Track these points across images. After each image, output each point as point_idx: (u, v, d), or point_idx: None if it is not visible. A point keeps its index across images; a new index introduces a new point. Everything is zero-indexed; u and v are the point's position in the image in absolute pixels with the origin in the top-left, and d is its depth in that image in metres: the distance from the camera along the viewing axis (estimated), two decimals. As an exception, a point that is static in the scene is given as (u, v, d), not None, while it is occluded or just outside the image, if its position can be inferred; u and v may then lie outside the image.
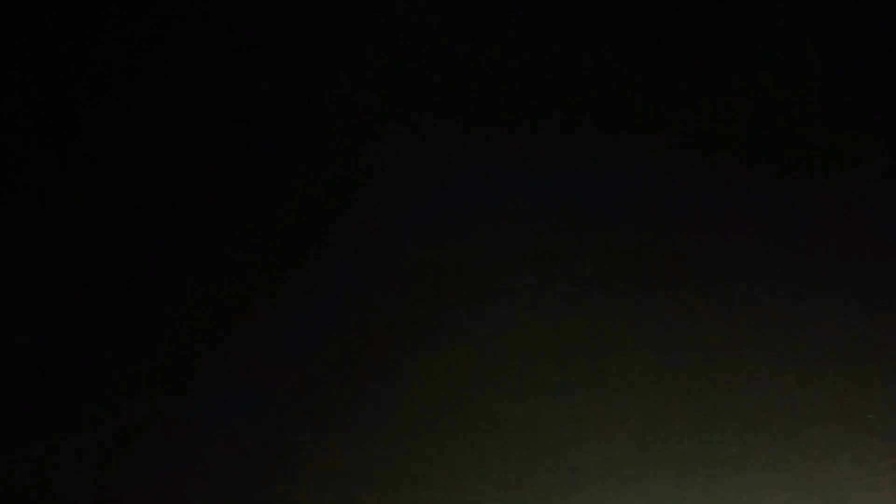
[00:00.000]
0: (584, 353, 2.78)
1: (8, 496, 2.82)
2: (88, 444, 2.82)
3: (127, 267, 2.74)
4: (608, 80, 2.79)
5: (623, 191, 2.79)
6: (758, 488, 2.85)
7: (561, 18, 2.77)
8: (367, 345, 2.77)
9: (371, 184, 2.78)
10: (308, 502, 2.88)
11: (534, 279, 2.78)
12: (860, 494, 2.85)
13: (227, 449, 2.87)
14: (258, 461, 2.89)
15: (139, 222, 2.75)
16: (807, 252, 2.76)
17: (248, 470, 2.89)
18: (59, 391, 2.78)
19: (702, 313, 2.77)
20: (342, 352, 2.78)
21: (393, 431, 2.82)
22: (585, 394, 2.79)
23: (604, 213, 2.81)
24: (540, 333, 2.78)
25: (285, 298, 2.78)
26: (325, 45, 2.76)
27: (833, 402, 2.76)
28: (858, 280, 2.79)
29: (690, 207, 2.80)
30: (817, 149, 2.77)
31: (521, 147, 2.79)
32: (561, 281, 2.79)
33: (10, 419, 2.80)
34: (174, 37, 2.71)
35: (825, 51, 2.76)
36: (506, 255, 2.78)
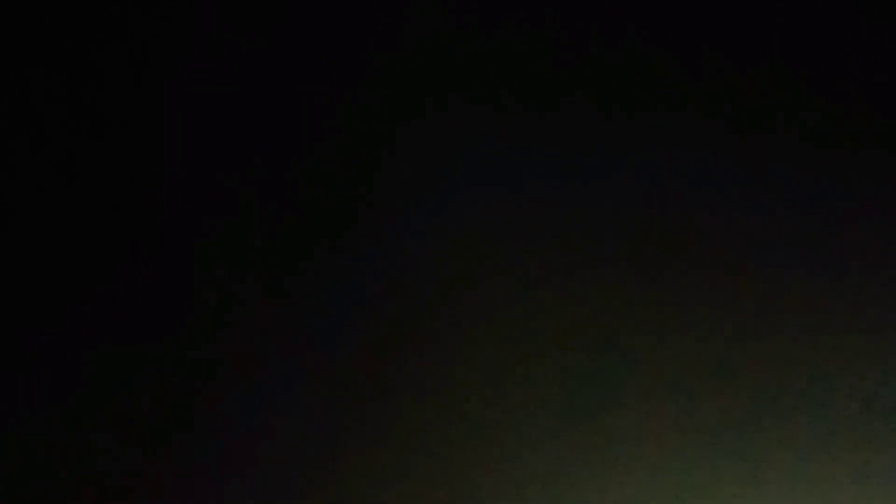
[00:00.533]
0: (610, 339, 2.74)
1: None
2: (110, 440, 2.81)
3: (140, 264, 2.74)
4: (623, 62, 2.78)
5: (641, 174, 2.77)
6: (793, 483, 2.79)
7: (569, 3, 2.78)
8: (389, 334, 2.75)
9: (385, 172, 2.78)
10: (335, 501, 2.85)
11: (553, 264, 2.75)
12: (884, 486, 2.79)
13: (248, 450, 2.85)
14: (279, 462, 2.87)
15: (142, 220, 2.76)
16: (829, 235, 2.72)
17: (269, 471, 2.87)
18: (75, 385, 2.77)
19: (726, 297, 2.73)
20: (363, 343, 2.76)
21: (412, 424, 2.78)
22: (612, 384, 2.75)
23: (621, 197, 2.78)
24: (564, 320, 2.75)
25: (299, 293, 2.78)
26: (328, 40, 2.79)
27: (852, 386, 2.71)
28: (882, 264, 2.75)
29: (715, 190, 2.78)
30: (835, 129, 2.74)
31: (535, 132, 2.78)
32: (582, 266, 2.76)
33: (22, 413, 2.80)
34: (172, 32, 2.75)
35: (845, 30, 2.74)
36: (524, 241, 2.76)
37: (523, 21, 2.72)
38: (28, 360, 2.72)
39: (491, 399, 2.80)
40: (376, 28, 2.70)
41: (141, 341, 2.74)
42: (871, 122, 2.70)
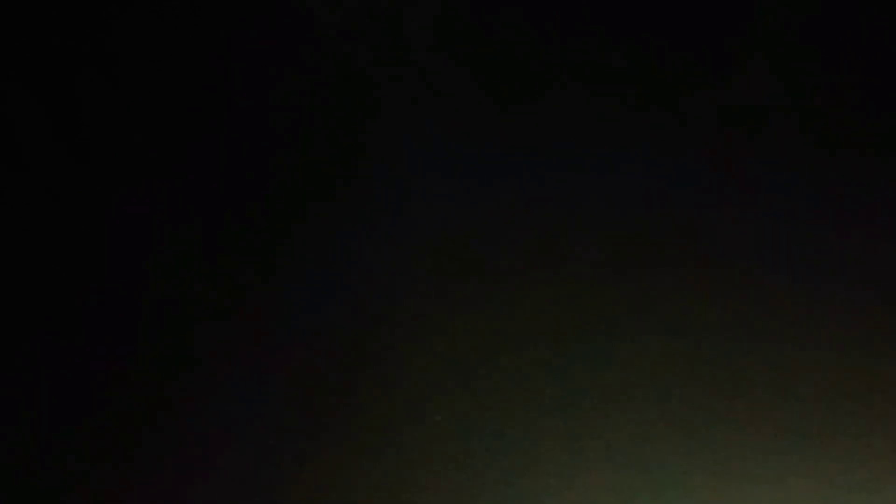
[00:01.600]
0: (593, 336, 2.75)
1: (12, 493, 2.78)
2: (88, 442, 2.78)
3: (127, 263, 2.73)
4: (621, 61, 2.81)
5: (635, 173, 2.81)
6: (766, 475, 2.81)
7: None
8: (374, 328, 2.75)
9: (375, 170, 2.80)
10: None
11: (543, 262, 2.77)
12: (875, 484, 2.81)
13: (229, 448, 2.83)
14: (261, 462, 2.85)
15: (134, 219, 2.76)
16: (822, 236, 2.76)
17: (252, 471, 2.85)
18: (57, 387, 2.74)
19: (714, 297, 2.76)
20: (348, 335, 2.76)
21: (397, 419, 2.78)
22: (592, 378, 2.75)
23: (614, 195, 2.81)
24: (550, 316, 2.76)
25: (282, 288, 2.77)
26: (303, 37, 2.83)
27: (846, 387, 2.72)
28: (875, 264, 2.79)
29: (705, 191, 2.82)
30: (835, 133, 2.80)
31: (529, 130, 2.81)
32: (571, 263, 2.78)
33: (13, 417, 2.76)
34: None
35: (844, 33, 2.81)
36: (513, 238, 2.78)
37: (513, 23, 2.77)
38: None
39: (466, 394, 2.80)
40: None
41: (116, 343, 2.72)
42: (872, 128, 2.76)
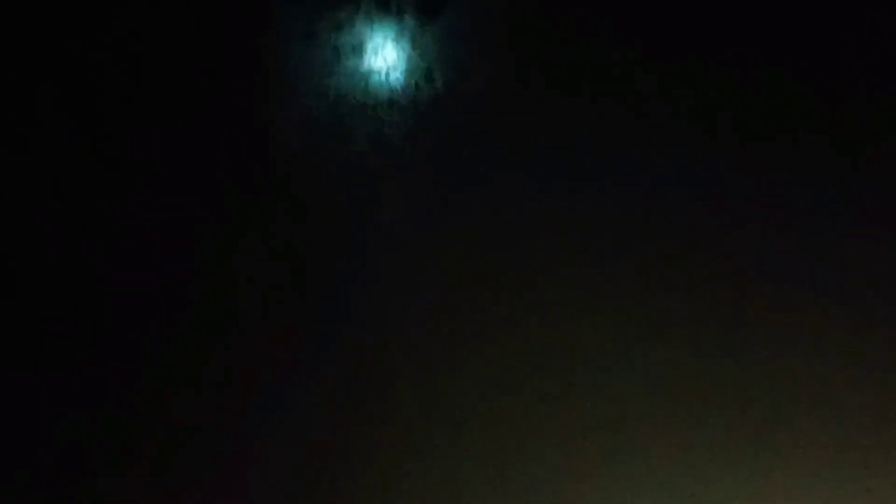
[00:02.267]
0: (621, 355, 2.74)
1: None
2: (126, 456, 2.79)
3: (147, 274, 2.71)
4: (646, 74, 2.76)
5: (660, 190, 2.78)
6: (791, 492, 2.81)
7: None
8: (401, 341, 2.74)
9: (393, 185, 2.76)
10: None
11: (571, 280, 2.75)
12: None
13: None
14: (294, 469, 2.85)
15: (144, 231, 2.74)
16: (849, 254, 2.74)
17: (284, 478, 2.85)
18: (88, 400, 2.73)
19: (742, 315, 2.75)
20: (371, 350, 2.75)
21: (421, 432, 2.77)
22: (622, 397, 2.75)
23: (640, 213, 2.79)
24: (577, 335, 2.75)
25: (307, 298, 2.77)
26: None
27: (874, 403, 2.73)
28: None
29: (732, 208, 2.79)
30: (864, 152, 2.76)
31: (551, 148, 2.77)
32: (598, 282, 2.77)
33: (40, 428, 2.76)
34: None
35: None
36: (540, 256, 2.75)
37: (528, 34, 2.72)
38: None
39: (493, 410, 2.80)
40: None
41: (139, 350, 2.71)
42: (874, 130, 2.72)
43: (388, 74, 2.82)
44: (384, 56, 2.88)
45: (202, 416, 2.79)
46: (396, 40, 2.88)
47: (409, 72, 2.85)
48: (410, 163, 2.83)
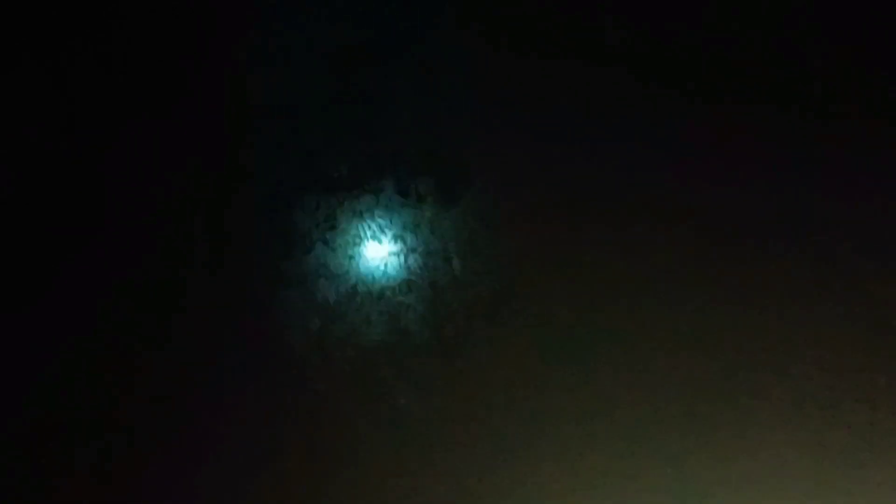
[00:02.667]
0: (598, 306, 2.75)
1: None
2: (91, 450, 2.86)
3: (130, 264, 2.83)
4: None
5: (636, 143, 2.87)
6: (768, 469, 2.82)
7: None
8: (384, 353, 2.81)
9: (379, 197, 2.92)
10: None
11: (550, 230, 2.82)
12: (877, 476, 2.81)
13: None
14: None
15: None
16: (827, 210, 2.76)
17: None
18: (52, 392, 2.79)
19: (719, 269, 2.76)
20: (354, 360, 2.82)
21: (409, 440, 2.80)
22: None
23: (618, 167, 2.86)
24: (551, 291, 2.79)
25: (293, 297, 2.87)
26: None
27: (853, 367, 2.70)
28: (883, 241, 2.79)
29: (708, 162, 2.85)
30: (840, 110, 2.80)
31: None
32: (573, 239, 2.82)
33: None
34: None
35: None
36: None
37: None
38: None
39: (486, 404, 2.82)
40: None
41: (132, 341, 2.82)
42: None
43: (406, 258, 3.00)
44: (404, 240, 3.00)
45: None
46: (416, 227, 3.00)
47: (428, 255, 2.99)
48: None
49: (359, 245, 2.99)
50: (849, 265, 2.82)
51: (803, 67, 3.05)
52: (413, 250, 2.97)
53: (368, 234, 3.00)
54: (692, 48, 3.09)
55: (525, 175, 3.01)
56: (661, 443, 2.73)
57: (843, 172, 2.95)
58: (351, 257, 2.97)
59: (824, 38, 3.05)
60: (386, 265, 2.96)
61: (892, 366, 2.73)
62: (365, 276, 2.96)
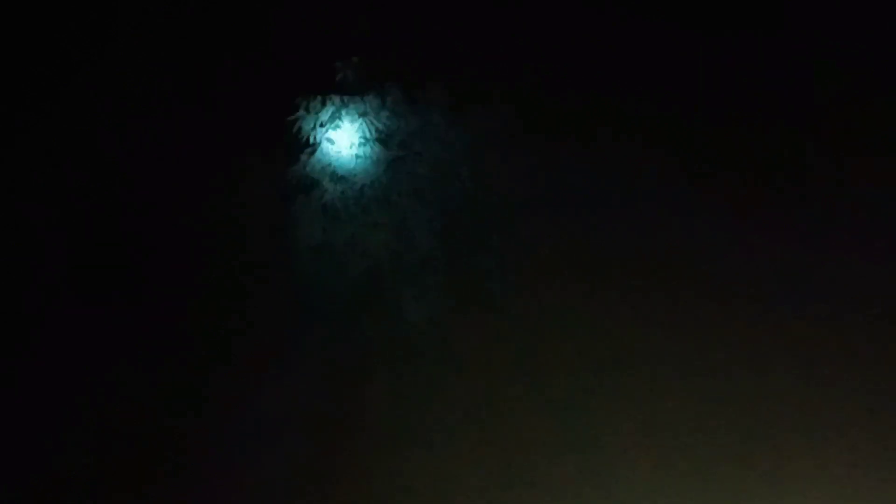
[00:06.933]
0: (601, 367, 2.75)
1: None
2: (98, 465, 2.90)
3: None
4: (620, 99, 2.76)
5: (638, 202, 2.79)
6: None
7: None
8: (370, 361, 2.78)
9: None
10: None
11: (547, 289, 2.79)
12: None
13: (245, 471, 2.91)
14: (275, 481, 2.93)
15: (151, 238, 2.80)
16: (828, 263, 2.73)
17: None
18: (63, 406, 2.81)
19: (720, 326, 2.75)
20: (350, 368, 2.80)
21: (403, 444, 2.84)
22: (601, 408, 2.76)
23: (618, 224, 2.81)
24: (555, 346, 2.77)
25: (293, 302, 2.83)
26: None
27: (856, 410, 2.70)
28: (884, 291, 2.75)
29: (711, 220, 2.79)
30: (837, 164, 2.73)
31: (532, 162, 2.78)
32: (575, 293, 2.79)
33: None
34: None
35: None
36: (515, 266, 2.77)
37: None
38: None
39: (492, 420, 2.82)
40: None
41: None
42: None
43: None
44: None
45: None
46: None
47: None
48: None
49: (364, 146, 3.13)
50: (866, 329, 2.87)
51: (814, 137, 3.06)
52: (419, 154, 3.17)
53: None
54: (704, 118, 3.11)
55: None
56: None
57: (857, 236, 2.95)
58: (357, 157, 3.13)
59: (832, 108, 3.09)
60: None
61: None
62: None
